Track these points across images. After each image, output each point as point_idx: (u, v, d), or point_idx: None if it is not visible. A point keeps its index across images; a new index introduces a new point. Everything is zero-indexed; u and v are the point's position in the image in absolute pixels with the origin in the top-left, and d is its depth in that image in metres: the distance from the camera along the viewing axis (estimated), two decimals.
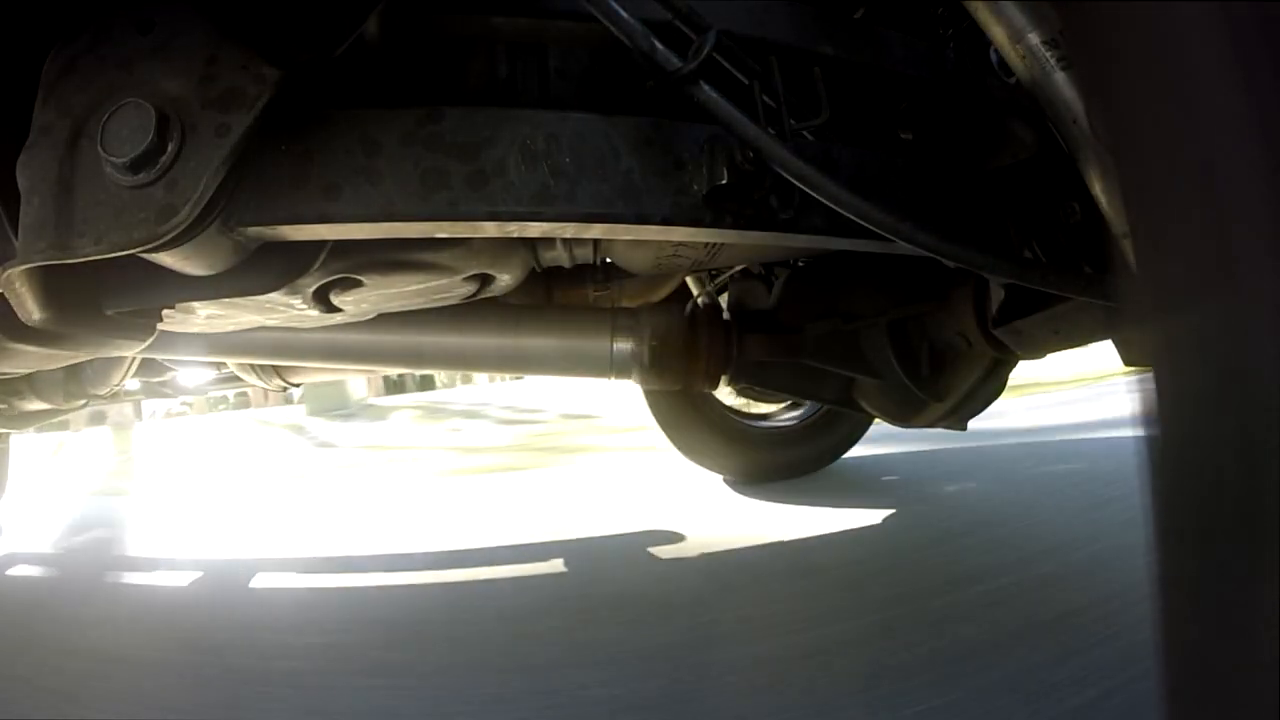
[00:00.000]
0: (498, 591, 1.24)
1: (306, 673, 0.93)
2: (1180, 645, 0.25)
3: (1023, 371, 1.19)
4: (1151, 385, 0.26)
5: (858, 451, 1.93)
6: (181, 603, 1.29)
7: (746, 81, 0.53)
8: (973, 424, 1.15)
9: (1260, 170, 0.23)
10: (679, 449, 1.83)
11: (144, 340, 0.66)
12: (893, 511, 1.48)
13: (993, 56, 0.59)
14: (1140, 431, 0.26)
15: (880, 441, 1.97)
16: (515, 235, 0.71)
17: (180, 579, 1.41)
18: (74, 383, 1.24)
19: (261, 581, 1.37)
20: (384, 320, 0.94)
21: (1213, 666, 0.24)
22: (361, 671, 0.93)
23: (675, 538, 1.45)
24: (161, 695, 0.89)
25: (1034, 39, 0.49)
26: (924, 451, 2.01)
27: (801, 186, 0.50)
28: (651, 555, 1.35)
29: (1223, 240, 0.23)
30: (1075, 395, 2.91)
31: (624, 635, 0.98)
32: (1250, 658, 0.22)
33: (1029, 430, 2.22)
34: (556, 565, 1.33)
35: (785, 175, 0.50)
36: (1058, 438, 2.10)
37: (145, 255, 0.48)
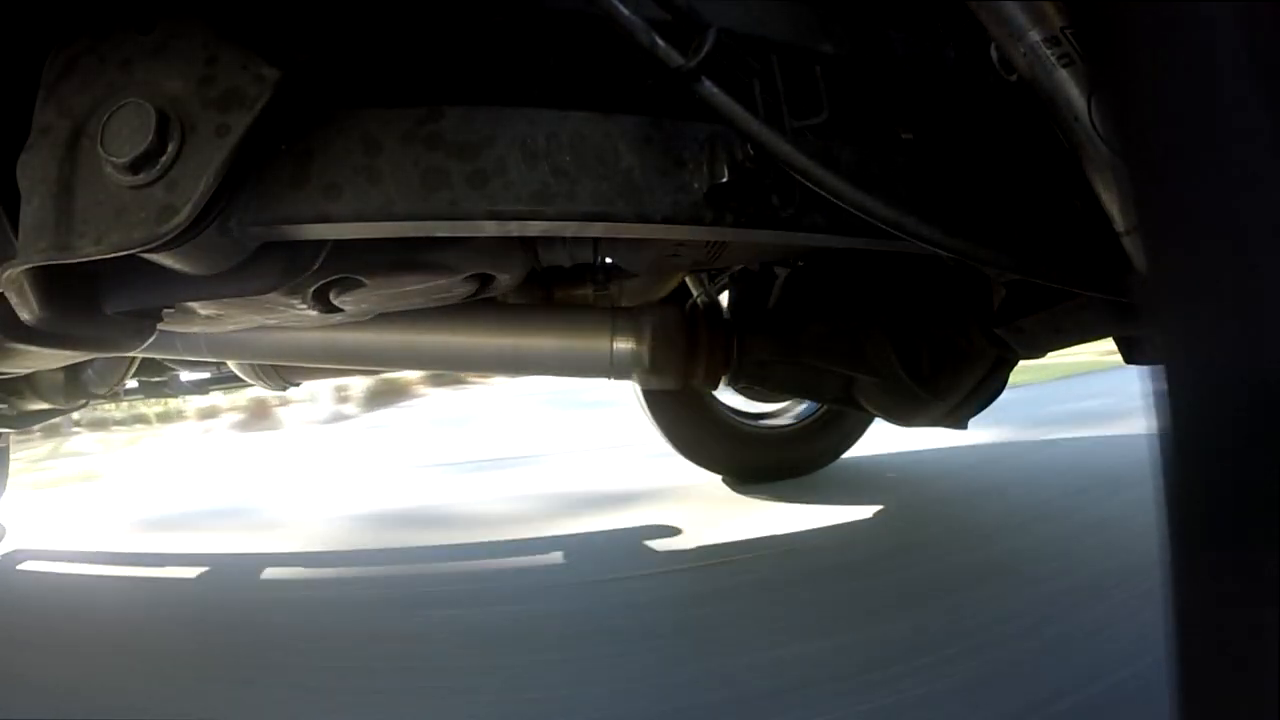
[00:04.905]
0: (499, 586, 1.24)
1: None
2: (1194, 644, 0.25)
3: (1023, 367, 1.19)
4: (1162, 383, 0.26)
5: (858, 451, 1.92)
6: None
7: (747, 80, 0.53)
8: (973, 422, 1.15)
9: (1272, 167, 0.22)
10: (677, 448, 1.83)
11: (144, 340, 0.66)
12: (893, 511, 1.48)
13: (993, 54, 0.59)
14: (1150, 429, 0.26)
15: (880, 441, 1.96)
16: (515, 234, 0.71)
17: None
18: (74, 383, 1.24)
19: (265, 576, 1.38)
20: (384, 320, 0.93)
21: (1226, 664, 0.24)
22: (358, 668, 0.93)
23: (673, 532, 1.45)
24: None
25: (1035, 37, 0.49)
26: (924, 451, 2.01)
27: (805, 182, 0.50)
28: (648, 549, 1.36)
29: (1233, 238, 0.23)
30: (1077, 392, 2.91)
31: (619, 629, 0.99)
32: (1264, 655, 0.22)
33: (1030, 428, 2.22)
34: (556, 558, 1.34)
35: (789, 171, 0.50)
36: (1059, 435, 2.10)
37: (145, 255, 0.48)
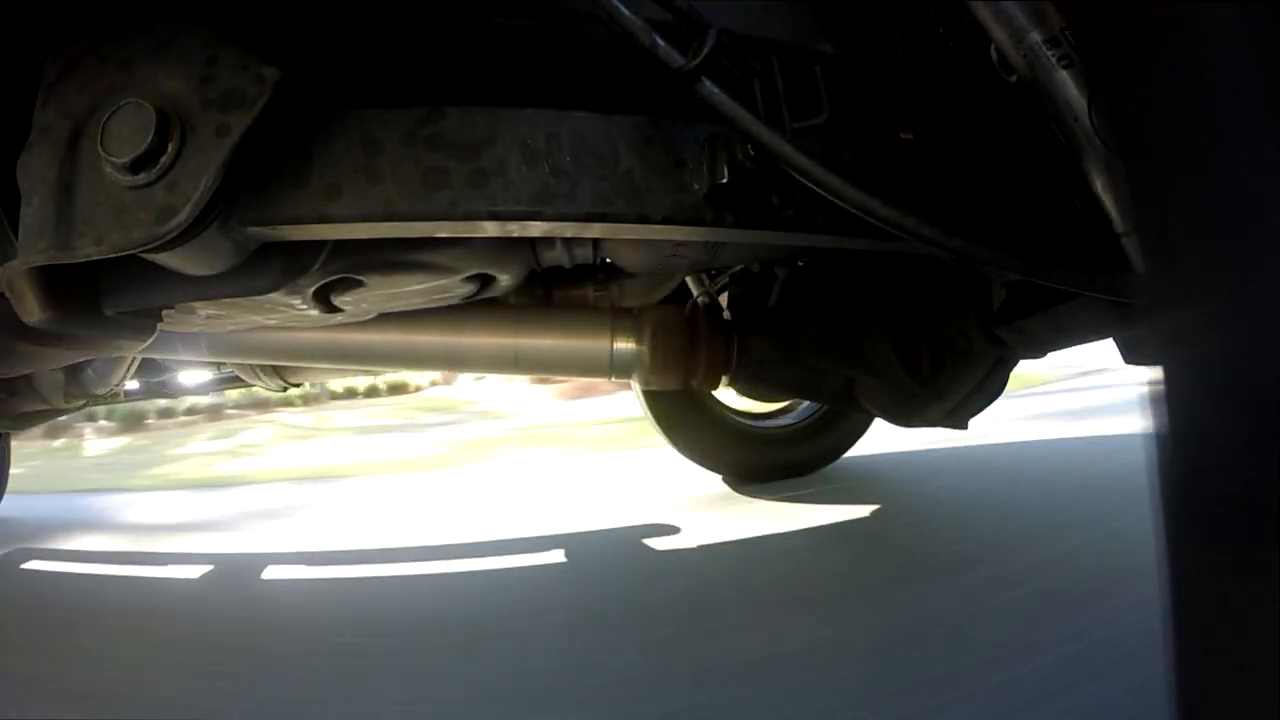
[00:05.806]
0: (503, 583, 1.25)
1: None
2: (1190, 643, 0.25)
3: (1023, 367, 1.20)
4: (1160, 384, 0.26)
5: (858, 451, 1.92)
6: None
7: (747, 80, 0.53)
8: (973, 422, 1.15)
9: (1270, 167, 0.22)
10: (677, 448, 1.83)
11: (144, 340, 0.66)
12: (893, 511, 1.48)
13: (993, 55, 0.59)
14: (1148, 430, 0.26)
15: (880, 440, 1.96)
16: (516, 235, 0.71)
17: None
18: (74, 383, 1.25)
19: (271, 574, 1.38)
20: (384, 320, 0.93)
21: (1222, 664, 0.24)
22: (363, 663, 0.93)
23: (673, 531, 1.46)
24: None
25: (1035, 38, 0.49)
26: (925, 451, 2.01)
27: (806, 182, 0.50)
28: (649, 549, 1.37)
29: (1231, 239, 0.23)
30: (1076, 390, 2.91)
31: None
32: (1259, 656, 0.22)
33: (1030, 427, 2.21)
34: (556, 556, 1.35)
35: (789, 171, 0.50)
36: (1059, 435, 2.10)
37: (145, 255, 0.48)
